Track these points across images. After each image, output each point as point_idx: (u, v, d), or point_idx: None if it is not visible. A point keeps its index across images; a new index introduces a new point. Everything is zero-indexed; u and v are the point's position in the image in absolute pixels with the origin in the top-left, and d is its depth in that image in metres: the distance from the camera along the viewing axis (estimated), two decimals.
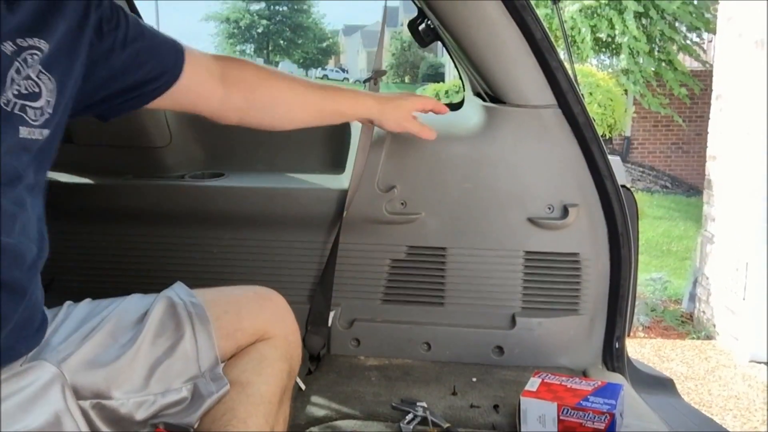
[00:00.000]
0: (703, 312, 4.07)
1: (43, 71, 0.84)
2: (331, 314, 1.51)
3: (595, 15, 9.15)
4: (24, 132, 0.80)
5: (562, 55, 1.39)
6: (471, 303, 1.50)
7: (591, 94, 7.95)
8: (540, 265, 1.47)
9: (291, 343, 1.07)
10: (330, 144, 1.66)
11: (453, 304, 1.50)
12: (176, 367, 0.93)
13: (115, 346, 0.92)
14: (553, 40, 1.35)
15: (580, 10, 9.12)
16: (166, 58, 1.03)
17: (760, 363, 3.44)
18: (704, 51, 10.20)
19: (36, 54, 0.82)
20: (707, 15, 9.45)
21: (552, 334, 1.47)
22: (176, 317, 0.96)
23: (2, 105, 0.78)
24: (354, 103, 1.27)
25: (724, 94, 3.98)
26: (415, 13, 1.53)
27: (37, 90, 0.82)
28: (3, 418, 0.76)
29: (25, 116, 0.80)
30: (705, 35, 10.12)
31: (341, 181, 1.52)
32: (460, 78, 1.73)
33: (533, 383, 1.26)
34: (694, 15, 9.47)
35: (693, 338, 3.96)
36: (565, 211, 1.41)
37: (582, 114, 1.37)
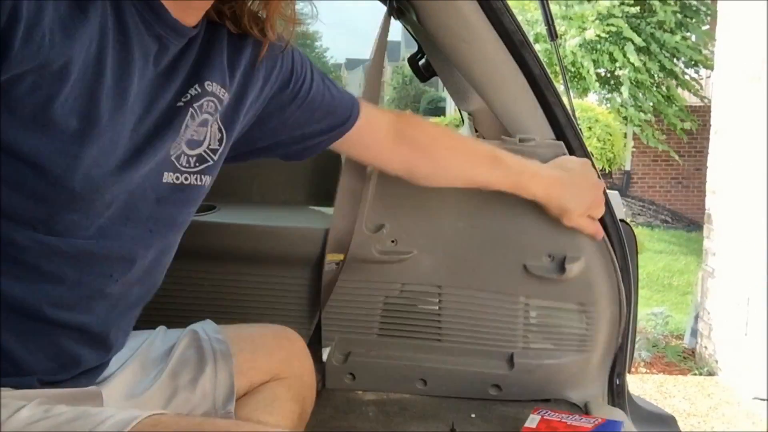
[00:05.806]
0: (705, 347, 4.03)
1: (218, 121, 0.85)
2: (327, 350, 1.49)
3: (595, 50, 9.21)
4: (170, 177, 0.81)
5: (561, 90, 1.40)
6: (467, 342, 1.47)
7: (590, 128, 7.99)
8: (538, 303, 1.45)
9: (305, 384, 1.07)
10: (325, 177, 1.64)
11: (449, 341, 1.48)
12: (193, 402, 0.94)
13: (144, 380, 0.92)
14: (551, 76, 1.37)
15: (581, 45, 9.16)
16: (339, 117, 1.04)
17: (763, 400, 3.40)
18: (701, 87, 10.31)
19: (213, 102, 0.83)
20: (705, 51, 9.57)
21: (551, 370, 1.45)
22: (200, 351, 0.97)
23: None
24: (519, 185, 1.24)
25: (723, 129, 4.01)
26: (416, 49, 1.55)
27: (201, 138, 0.83)
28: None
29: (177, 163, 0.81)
30: (702, 71, 10.23)
31: None
32: (460, 113, 1.74)
33: (533, 420, 1.24)
34: (692, 50, 9.57)
35: (695, 374, 3.92)
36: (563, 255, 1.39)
37: (581, 149, 1.37)
